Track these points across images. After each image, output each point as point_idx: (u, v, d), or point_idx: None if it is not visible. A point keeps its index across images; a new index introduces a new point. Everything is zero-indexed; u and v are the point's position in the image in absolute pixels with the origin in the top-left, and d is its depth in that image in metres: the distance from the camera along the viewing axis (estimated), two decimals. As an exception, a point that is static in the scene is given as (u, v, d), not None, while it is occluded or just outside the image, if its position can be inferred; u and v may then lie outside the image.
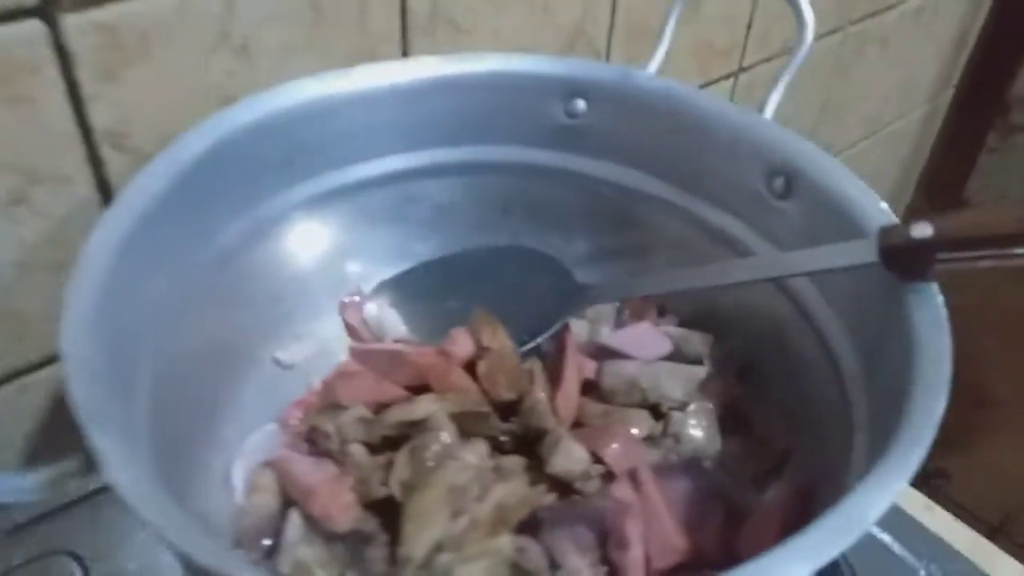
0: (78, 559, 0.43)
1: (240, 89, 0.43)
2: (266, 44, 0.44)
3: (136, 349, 0.34)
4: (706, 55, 0.74)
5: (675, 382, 0.45)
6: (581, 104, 0.48)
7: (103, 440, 0.25)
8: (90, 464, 0.25)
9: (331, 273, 0.49)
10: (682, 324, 0.50)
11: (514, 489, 0.35)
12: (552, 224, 0.52)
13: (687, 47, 0.71)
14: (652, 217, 0.50)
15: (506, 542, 0.34)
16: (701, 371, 0.45)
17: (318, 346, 0.47)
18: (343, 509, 0.34)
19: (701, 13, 0.69)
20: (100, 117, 0.40)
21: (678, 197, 0.49)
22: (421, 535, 0.32)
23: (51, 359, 0.45)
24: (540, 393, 0.41)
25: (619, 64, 0.64)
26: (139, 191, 0.34)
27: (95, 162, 0.42)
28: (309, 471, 0.37)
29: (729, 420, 0.45)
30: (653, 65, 0.48)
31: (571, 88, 0.48)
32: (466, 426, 0.40)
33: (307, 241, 0.46)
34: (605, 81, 0.47)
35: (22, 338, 0.44)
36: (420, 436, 0.38)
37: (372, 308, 0.49)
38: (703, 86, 0.75)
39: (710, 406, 0.44)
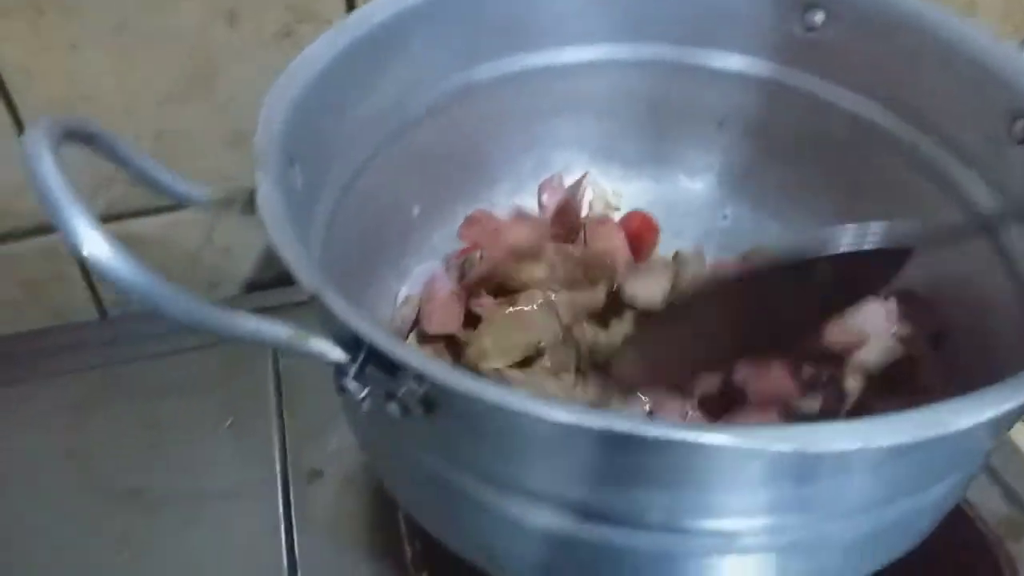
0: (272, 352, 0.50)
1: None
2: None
3: (329, 155, 0.39)
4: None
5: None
6: (820, 16, 0.45)
7: (262, 176, 0.29)
8: (252, 200, 0.30)
9: (535, 156, 0.51)
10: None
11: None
12: (766, 147, 0.50)
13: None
14: (873, 153, 0.46)
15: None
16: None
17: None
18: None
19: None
20: (360, -32, 0.46)
21: (907, 133, 0.44)
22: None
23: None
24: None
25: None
26: (362, 17, 0.38)
27: (351, 7, 0.48)
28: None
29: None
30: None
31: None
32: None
33: (515, 115, 0.48)
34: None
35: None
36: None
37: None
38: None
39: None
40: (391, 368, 0.24)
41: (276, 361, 0.49)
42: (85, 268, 0.53)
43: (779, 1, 0.45)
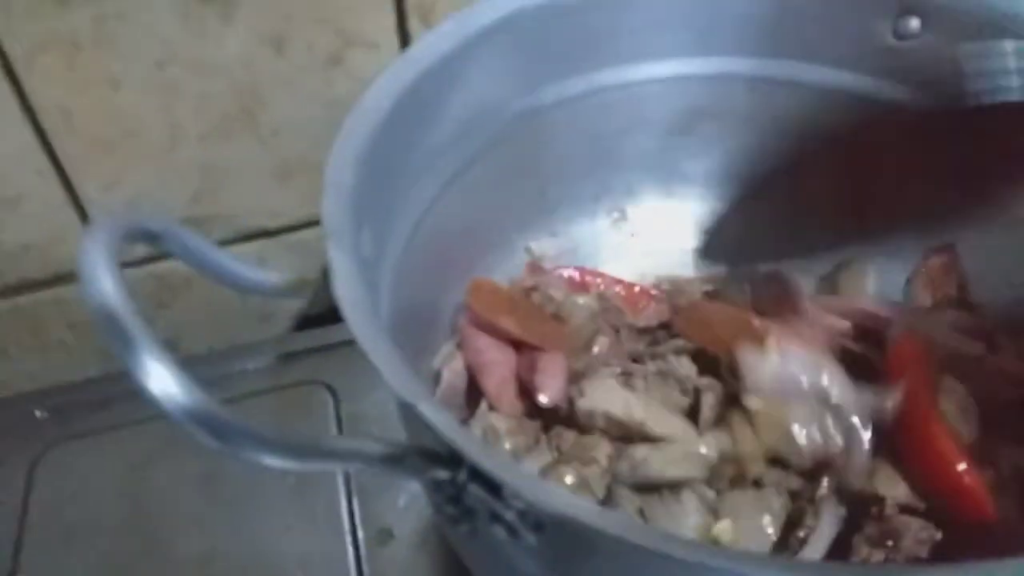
0: (332, 391, 0.48)
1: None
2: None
3: (397, 202, 0.36)
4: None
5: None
6: (915, 22, 0.41)
7: (336, 254, 0.26)
8: (326, 279, 0.27)
9: (596, 179, 0.48)
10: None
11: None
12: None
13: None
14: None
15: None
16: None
17: (570, 245, 0.47)
18: (509, 402, 0.34)
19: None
20: (413, -13, 0.43)
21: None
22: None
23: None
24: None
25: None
26: (426, 48, 0.35)
27: (403, 32, 0.44)
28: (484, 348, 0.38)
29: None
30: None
31: (906, 3, 0.41)
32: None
33: (578, 137, 0.45)
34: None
35: (321, 190, 0.49)
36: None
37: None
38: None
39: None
40: (496, 487, 0.22)
41: (337, 406, 0.47)
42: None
43: (870, 7, 0.41)
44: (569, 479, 0.32)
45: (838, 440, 0.33)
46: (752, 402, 0.33)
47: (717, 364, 0.36)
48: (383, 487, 0.43)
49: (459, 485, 0.22)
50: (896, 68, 0.42)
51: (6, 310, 0.49)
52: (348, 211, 0.29)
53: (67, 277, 0.48)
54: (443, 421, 0.22)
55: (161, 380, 0.19)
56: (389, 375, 0.23)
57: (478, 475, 0.22)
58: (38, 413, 0.49)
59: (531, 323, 0.39)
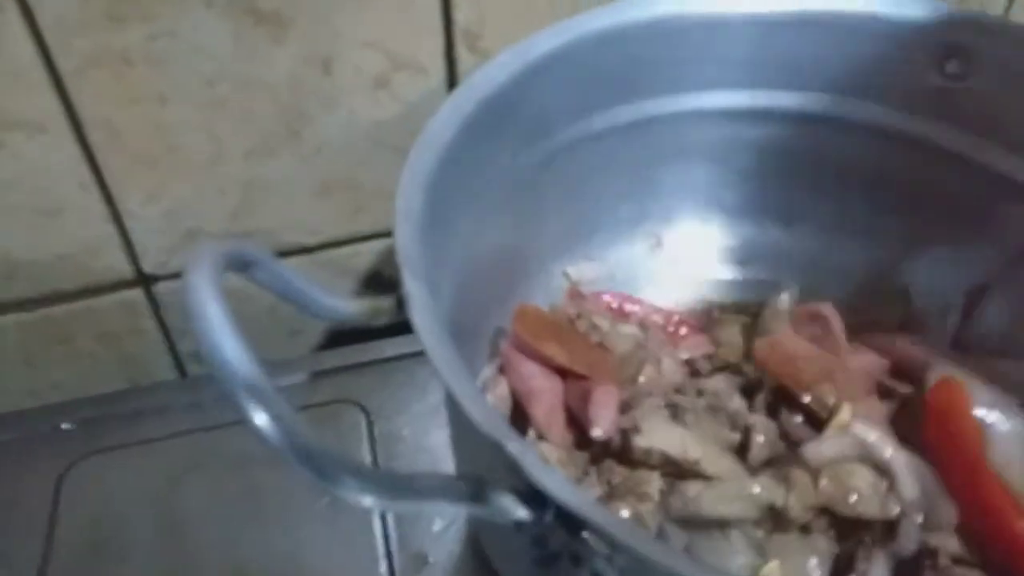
0: (364, 411, 0.48)
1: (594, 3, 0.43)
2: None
3: (452, 229, 0.36)
4: None
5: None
6: (960, 65, 0.41)
7: (412, 283, 0.26)
8: (400, 305, 0.27)
9: (635, 205, 0.48)
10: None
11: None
12: (893, 206, 0.47)
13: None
14: (1005, 209, 0.43)
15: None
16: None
17: (606, 270, 0.47)
18: (559, 431, 0.34)
19: None
20: (462, 14, 0.43)
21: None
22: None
23: (381, 233, 0.50)
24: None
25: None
26: (485, 78, 0.35)
27: (449, 58, 0.44)
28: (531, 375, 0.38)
29: None
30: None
31: (952, 44, 0.41)
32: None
33: (620, 164, 0.46)
34: (993, 39, 0.40)
35: (359, 209, 0.49)
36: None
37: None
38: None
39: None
40: (578, 528, 0.22)
41: (370, 424, 0.47)
42: (162, 322, 0.50)
43: (918, 48, 0.42)
44: (625, 513, 0.32)
45: (895, 509, 0.33)
46: (814, 457, 0.33)
47: (774, 402, 0.36)
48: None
49: (545, 527, 0.22)
50: (944, 109, 0.43)
51: (36, 320, 0.48)
52: (419, 239, 0.29)
53: (100, 289, 0.48)
54: (537, 465, 0.22)
55: (264, 415, 0.19)
56: (475, 413, 0.23)
57: (564, 516, 0.22)
58: (65, 425, 0.48)
59: (577, 351, 0.39)
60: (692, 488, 0.33)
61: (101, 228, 0.45)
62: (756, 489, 0.32)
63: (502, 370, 0.40)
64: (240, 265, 0.23)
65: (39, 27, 0.38)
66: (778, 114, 0.45)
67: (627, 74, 0.42)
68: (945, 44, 0.41)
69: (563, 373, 0.39)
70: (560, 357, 0.38)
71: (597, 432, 0.34)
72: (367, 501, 0.20)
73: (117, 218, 0.45)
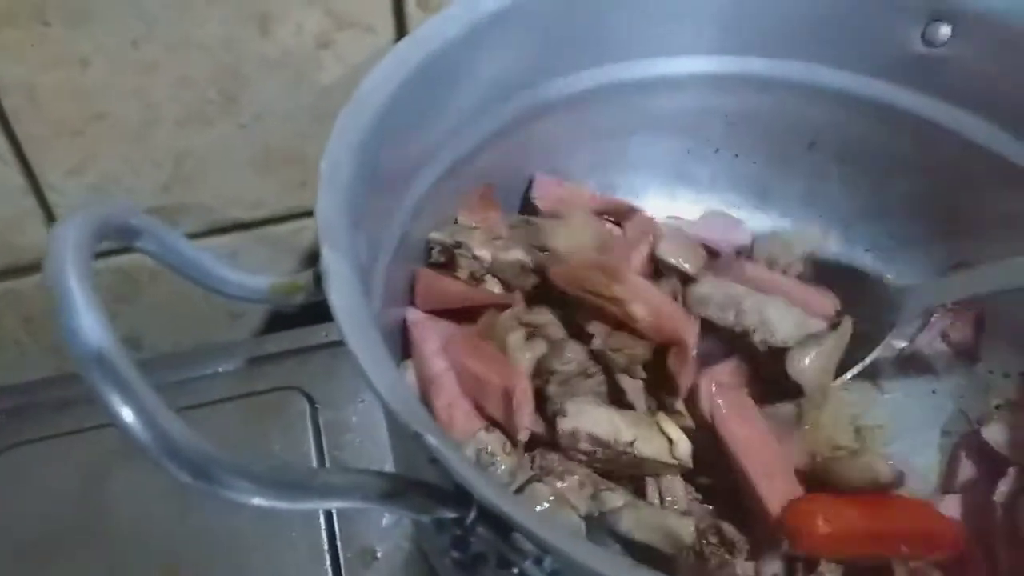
0: (309, 399, 0.45)
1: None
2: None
3: (391, 200, 0.33)
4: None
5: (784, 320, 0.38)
6: (945, 31, 0.39)
7: (331, 255, 0.23)
8: (318, 282, 0.24)
9: (603, 179, 0.46)
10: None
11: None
12: (865, 174, 0.44)
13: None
14: (984, 182, 0.41)
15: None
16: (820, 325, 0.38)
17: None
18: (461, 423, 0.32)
19: None
20: (413, -31, 0.40)
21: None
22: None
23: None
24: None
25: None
26: (432, 31, 0.32)
27: (399, 15, 0.41)
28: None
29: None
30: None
31: (938, 9, 0.39)
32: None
33: (586, 134, 0.43)
34: (988, 5, 0.38)
35: (304, 183, 0.46)
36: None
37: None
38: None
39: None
40: (506, 530, 0.19)
41: (315, 414, 0.44)
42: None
43: (897, 13, 0.39)
44: (547, 493, 0.29)
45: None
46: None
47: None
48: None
49: (467, 527, 0.19)
50: (920, 77, 0.40)
51: (-45, 303, 0.45)
52: (344, 209, 0.26)
53: (23, 269, 0.44)
54: (454, 456, 0.19)
55: (127, 406, 0.16)
56: (393, 401, 0.20)
57: (489, 516, 0.19)
58: (-11, 415, 0.45)
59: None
60: (612, 499, 0.31)
61: (21, 202, 0.42)
62: (672, 521, 0.30)
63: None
64: (124, 234, 0.20)
65: (-62, -22, 0.34)
66: (750, 81, 0.43)
67: (589, 36, 0.39)
68: (928, 9, 0.39)
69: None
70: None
71: (522, 437, 0.31)
72: (258, 503, 0.17)
73: (38, 191, 0.42)
